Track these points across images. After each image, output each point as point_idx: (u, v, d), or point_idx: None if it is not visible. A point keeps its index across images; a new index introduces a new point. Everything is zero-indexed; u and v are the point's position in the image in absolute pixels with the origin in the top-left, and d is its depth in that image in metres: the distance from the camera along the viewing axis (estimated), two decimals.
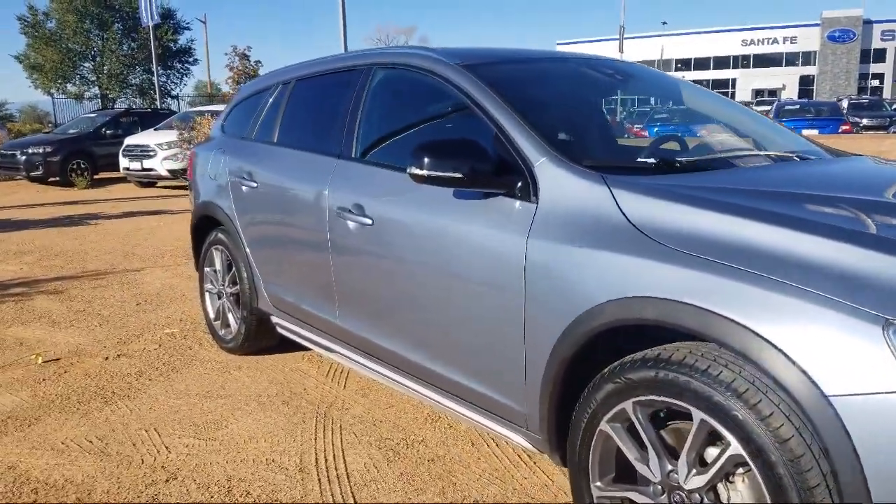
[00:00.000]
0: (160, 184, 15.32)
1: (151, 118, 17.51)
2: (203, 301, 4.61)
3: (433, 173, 2.37)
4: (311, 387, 3.83)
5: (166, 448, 3.14)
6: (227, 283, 4.31)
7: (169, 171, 14.26)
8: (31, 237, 8.92)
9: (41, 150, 15.43)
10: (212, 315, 4.55)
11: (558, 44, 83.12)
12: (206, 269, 4.53)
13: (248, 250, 3.97)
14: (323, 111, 3.72)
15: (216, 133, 4.68)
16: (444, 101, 2.96)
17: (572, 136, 2.78)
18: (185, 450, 3.12)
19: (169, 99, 31.86)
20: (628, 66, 3.71)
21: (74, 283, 6.29)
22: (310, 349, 3.88)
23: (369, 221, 2.90)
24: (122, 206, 11.99)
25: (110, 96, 34.64)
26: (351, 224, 3.00)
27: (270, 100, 4.11)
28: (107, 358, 4.33)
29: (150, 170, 14.43)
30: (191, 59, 36.73)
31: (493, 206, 2.37)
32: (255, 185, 3.81)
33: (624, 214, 2.03)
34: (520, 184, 2.32)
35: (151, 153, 14.37)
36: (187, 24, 37.28)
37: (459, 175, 2.35)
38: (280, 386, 3.84)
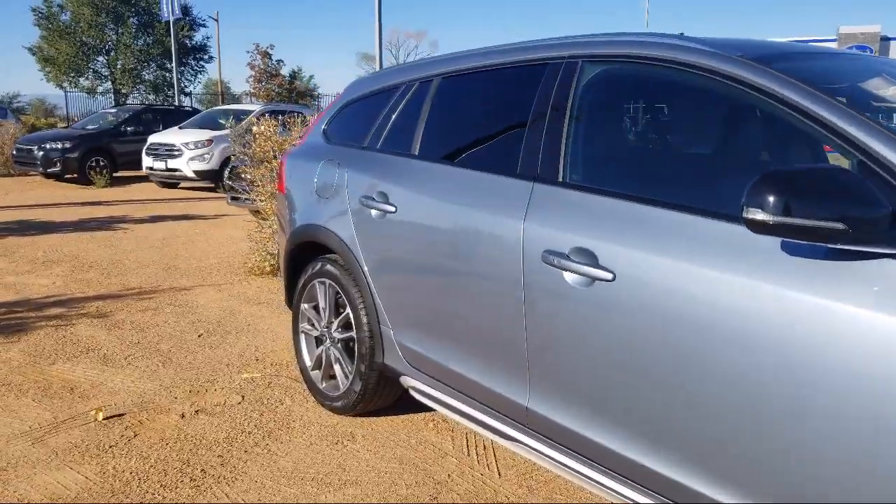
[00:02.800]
0: (183, 185, 14.48)
1: (174, 116, 16.68)
2: (297, 344, 3.76)
3: (790, 221, 1.53)
4: (455, 471, 2.98)
5: None
6: (335, 327, 3.45)
7: (195, 172, 13.45)
8: (58, 243, 8.07)
9: (59, 146, 14.59)
10: (308, 362, 3.69)
11: None
12: (304, 307, 3.68)
13: (373, 290, 3.12)
14: (493, 118, 2.89)
15: (317, 140, 3.83)
16: (722, 109, 2.13)
17: None
18: None
19: (182, 96, 31.01)
20: None
21: (119, 305, 5.44)
22: (433, 410, 3.04)
23: (607, 276, 2.04)
24: (148, 209, 11.15)
25: (123, 91, 33.83)
26: (570, 277, 2.15)
27: (402, 102, 3.27)
28: (183, 415, 3.47)
29: (175, 170, 13.60)
30: (206, 57, 35.93)
31: (880, 273, 1.53)
32: (391, 209, 2.96)
33: None
34: None
35: (177, 153, 13.56)
36: (203, 20, 36.49)
37: (840, 226, 1.50)
38: (414, 469, 2.99)
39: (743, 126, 2.30)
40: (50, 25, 32.47)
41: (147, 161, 13.90)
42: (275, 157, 6.53)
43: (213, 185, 13.79)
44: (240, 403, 3.64)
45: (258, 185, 6.67)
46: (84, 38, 32.47)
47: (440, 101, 3.09)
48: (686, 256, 1.88)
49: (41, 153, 14.50)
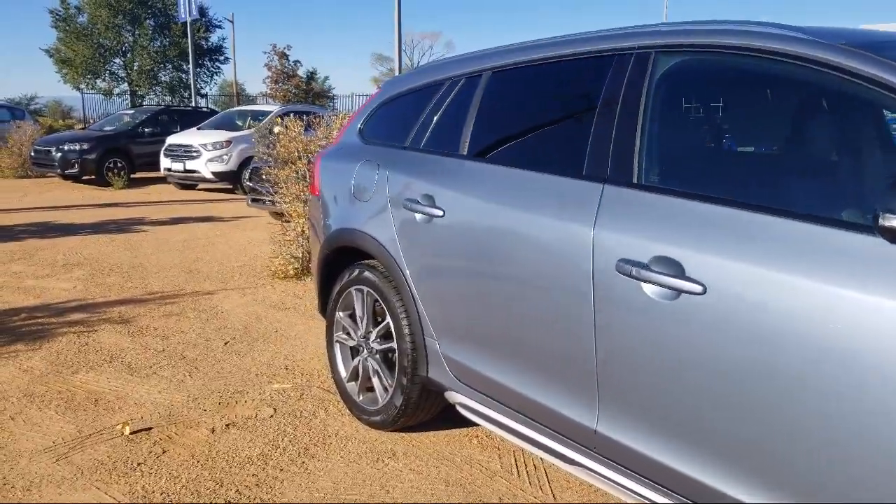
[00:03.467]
0: (201, 186, 14.35)
1: (191, 117, 16.58)
2: (332, 354, 3.57)
3: None
4: (506, 494, 2.78)
5: None
6: (373, 337, 3.26)
7: (214, 173, 13.30)
8: (77, 245, 7.93)
9: (77, 148, 14.49)
10: (344, 374, 3.50)
11: None
12: (339, 315, 3.49)
13: (417, 299, 2.92)
14: (551, 115, 2.69)
15: (352, 139, 3.63)
16: (823, 101, 1.92)
17: None
18: None
19: (199, 97, 30.93)
20: None
21: (141, 310, 5.26)
22: (475, 424, 2.85)
23: (696, 288, 1.83)
24: (167, 211, 11.00)
25: (139, 93, 33.82)
26: (651, 289, 1.94)
27: (448, 99, 3.07)
28: (213, 430, 3.28)
29: (194, 171, 13.46)
30: (221, 58, 35.88)
31: None
32: (439, 213, 2.76)
33: None
34: None
35: (195, 154, 13.42)
36: (219, 22, 36.45)
37: None
38: (463, 491, 2.80)
39: (850, 122, 2.08)
40: (67, 27, 32.50)
41: (165, 162, 13.77)
42: (299, 157, 6.35)
43: (231, 187, 13.64)
44: (272, 417, 3.45)
45: (282, 187, 6.49)
46: (101, 40, 32.46)
47: (491, 97, 2.89)
48: (796, 269, 1.67)
49: (59, 154, 14.42)
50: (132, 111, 17.73)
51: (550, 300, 2.30)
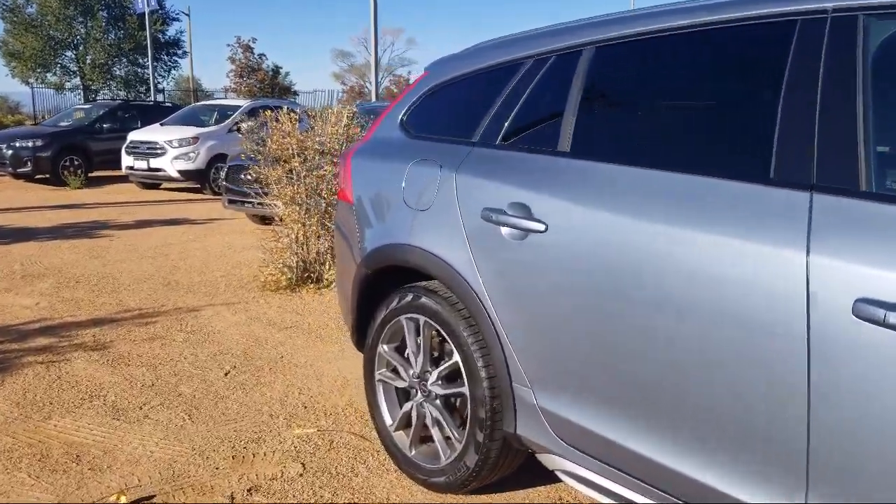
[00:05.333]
0: (164, 185, 13.49)
1: (153, 112, 15.65)
2: (373, 395, 2.91)
3: None
4: None
5: None
6: (433, 378, 2.62)
7: (180, 171, 12.48)
8: (35, 252, 7.11)
9: (30, 145, 13.52)
10: (389, 420, 2.85)
11: None
12: (383, 349, 2.83)
13: (501, 335, 2.29)
14: (702, 99, 2.06)
15: (392, 134, 2.99)
16: None
17: None
18: None
19: (153, 93, 29.69)
20: None
21: (119, 332, 4.53)
22: (558, 479, 2.25)
23: None
24: (131, 213, 10.18)
25: (93, 87, 32.44)
26: None
27: (533, 82, 2.45)
28: (232, 497, 2.61)
29: (158, 170, 12.61)
30: (179, 52, 34.63)
31: None
32: (538, 227, 2.13)
33: None
34: None
35: (160, 151, 12.58)
36: (176, 14, 35.18)
37: None
38: None
39: None
40: (15, 18, 30.94)
41: (127, 160, 12.89)
42: (295, 155, 5.65)
43: (198, 186, 12.80)
44: (301, 475, 2.79)
45: (274, 188, 5.78)
46: (51, 32, 31.00)
47: (600, 78, 2.27)
48: None
49: (10, 152, 13.45)
50: (89, 106, 16.73)
51: (730, 347, 1.70)
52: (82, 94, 31.52)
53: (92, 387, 3.65)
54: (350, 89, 40.86)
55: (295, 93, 29.07)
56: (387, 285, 2.89)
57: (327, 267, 5.81)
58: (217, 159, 12.46)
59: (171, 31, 33.76)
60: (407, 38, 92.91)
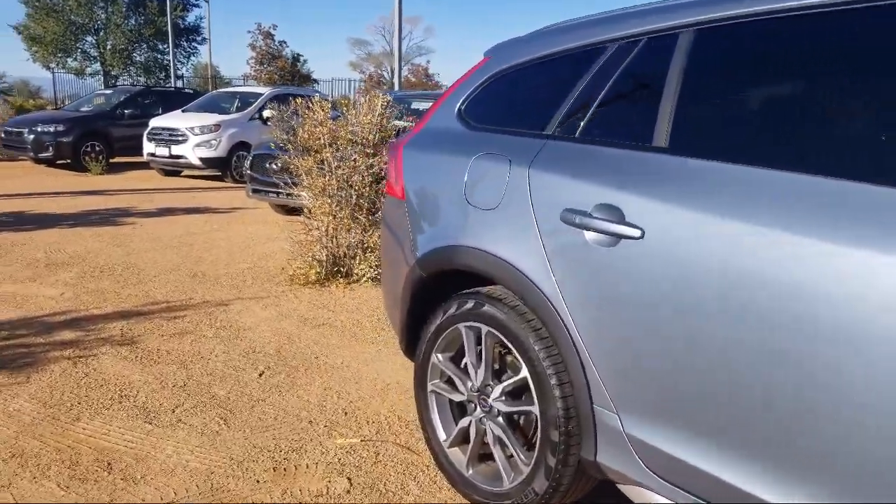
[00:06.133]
0: (185, 173, 13.32)
1: (174, 98, 15.48)
2: (425, 407, 2.70)
3: None
4: None
5: None
6: (496, 393, 2.40)
7: (201, 159, 12.30)
8: (59, 240, 6.94)
9: (52, 129, 13.37)
10: (443, 435, 2.64)
11: None
12: (437, 358, 2.62)
13: (582, 350, 2.07)
14: (850, 91, 1.80)
15: (447, 123, 2.77)
16: None
17: None
18: None
19: (173, 79, 29.55)
20: None
21: (147, 326, 4.34)
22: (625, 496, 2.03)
23: None
24: (153, 200, 10.01)
25: (113, 73, 32.36)
26: None
27: (620, 68, 2.23)
28: None
29: (180, 157, 12.44)
30: (199, 39, 34.48)
31: None
32: (633, 233, 1.91)
33: None
34: None
35: (181, 138, 12.40)
36: (196, 0, 34.99)
37: None
38: None
39: None
40: (37, 3, 30.86)
41: (148, 147, 12.73)
42: (327, 146, 5.44)
43: (219, 174, 12.63)
44: (349, 492, 2.59)
45: (304, 179, 5.57)
46: (72, 17, 30.91)
47: (707, 64, 2.04)
48: None
49: (32, 136, 13.31)
50: (110, 91, 16.59)
51: (872, 379, 1.45)
52: (102, 79, 31.44)
53: (121, 386, 3.46)
54: (369, 78, 40.62)
55: (315, 81, 28.87)
56: (441, 289, 2.68)
57: (357, 261, 5.60)
58: (238, 147, 12.30)
59: (191, 17, 33.62)
60: (425, 27, 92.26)
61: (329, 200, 5.40)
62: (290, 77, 27.19)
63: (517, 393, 2.39)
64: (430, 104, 9.22)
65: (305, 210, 5.68)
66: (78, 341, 4.07)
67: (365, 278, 5.54)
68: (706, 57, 2.02)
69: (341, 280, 5.58)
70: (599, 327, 2.04)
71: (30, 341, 4.05)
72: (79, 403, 3.26)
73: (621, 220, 1.97)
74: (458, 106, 2.81)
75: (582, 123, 2.26)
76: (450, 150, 2.68)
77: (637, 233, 1.92)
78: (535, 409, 2.26)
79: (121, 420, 3.11)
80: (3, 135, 13.91)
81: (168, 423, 3.09)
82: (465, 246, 2.46)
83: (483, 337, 2.45)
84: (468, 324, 2.50)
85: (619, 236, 1.97)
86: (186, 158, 12.37)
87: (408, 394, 3.50)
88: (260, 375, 3.67)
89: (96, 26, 31.84)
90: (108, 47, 31.74)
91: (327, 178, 5.41)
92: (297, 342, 4.22)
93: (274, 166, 7.95)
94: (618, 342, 2.01)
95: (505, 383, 2.39)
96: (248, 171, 8.43)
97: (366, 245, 5.56)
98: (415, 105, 8.97)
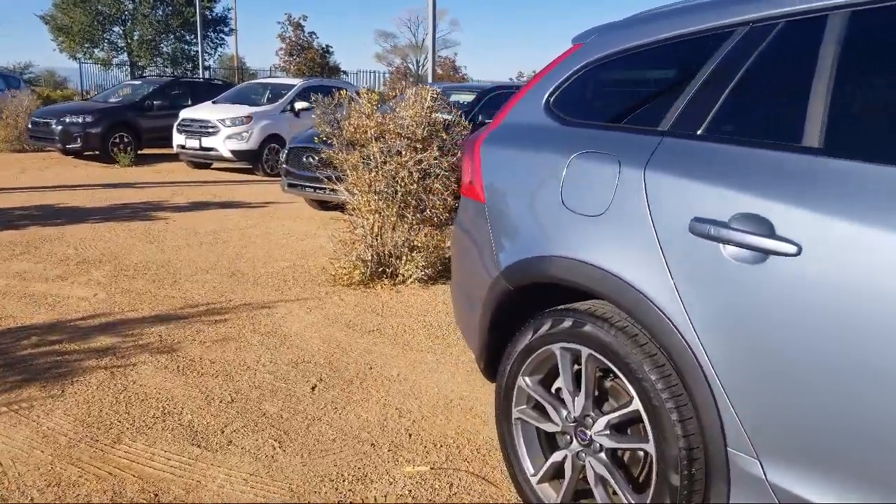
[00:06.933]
0: (215, 165, 13.10)
1: (204, 90, 15.26)
2: (509, 436, 2.40)
3: None
4: None
5: None
6: (600, 426, 2.09)
7: (232, 151, 12.05)
8: (89, 235, 6.71)
9: (80, 120, 13.19)
10: (530, 469, 2.34)
11: None
12: (525, 381, 2.31)
13: (715, 382, 1.75)
14: None
15: (533, 117, 2.46)
16: None
17: None
18: None
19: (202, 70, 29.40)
20: None
21: (186, 332, 4.08)
22: None
23: None
24: (185, 193, 9.78)
25: (140, 64, 32.32)
26: None
27: (752, 56, 1.91)
28: None
29: (211, 149, 12.20)
30: (226, 30, 34.35)
31: None
32: (787, 249, 1.59)
33: None
34: None
35: (212, 130, 12.15)
36: None
37: None
38: None
39: None
40: None
41: (178, 138, 12.50)
42: (376, 139, 5.13)
43: (250, 167, 12.39)
44: None
45: (350, 175, 5.28)
46: (99, 7, 30.88)
47: (867, 48, 1.68)
48: None
49: (60, 127, 13.13)
50: (138, 82, 16.41)
51: None
52: (129, 70, 31.41)
53: (164, 401, 3.19)
54: (396, 70, 40.31)
55: (344, 72, 28.60)
56: (526, 303, 2.37)
57: (403, 261, 5.30)
58: (270, 140, 12.05)
59: (218, 8, 33.46)
60: (450, 19, 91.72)
61: (376, 197, 5.10)
62: (319, 69, 26.93)
63: (626, 428, 2.07)
64: (471, 96, 8.95)
65: (349, 207, 5.39)
66: (114, 348, 3.81)
67: (412, 279, 5.24)
68: (868, 42, 1.68)
69: (386, 281, 5.29)
70: (740, 357, 1.72)
71: (63, 348, 3.79)
72: (119, 421, 2.99)
73: (771, 233, 1.64)
74: (545, 98, 2.49)
75: (707, 119, 1.93)
76: (540, 147, 2.36)
77: (792, 249, 1.59)
78: (650, 447, 1.95)
79: (165, 442, 2.84)
80: (30, 126, 13.76)
81: (218, 446, 2.81)
82: (563, 256, 2.15)
83: (584, 361, 2.13)
84: (565, 345, 2.19)
85: (769, 252, 1.64)
86: (217, 151, 12.13)
87: (473, 412, 3.20)
88: (312, 389, 3.39)
89: (123, 17, 31.82)
90: (135, 38, 31.72)
91: (374, 173, 5.10)
92: (347, 351, 3.93)
93: (311, 160, 7.67)
94: (765, 377, 1.69)
95: (611, 415, 2.08)
96: (284, 165, 8.17)
97: (412, 244, 5.26)
98: (454, 97, 8.65)
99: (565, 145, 2.26)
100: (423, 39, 52.87)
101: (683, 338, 1.82)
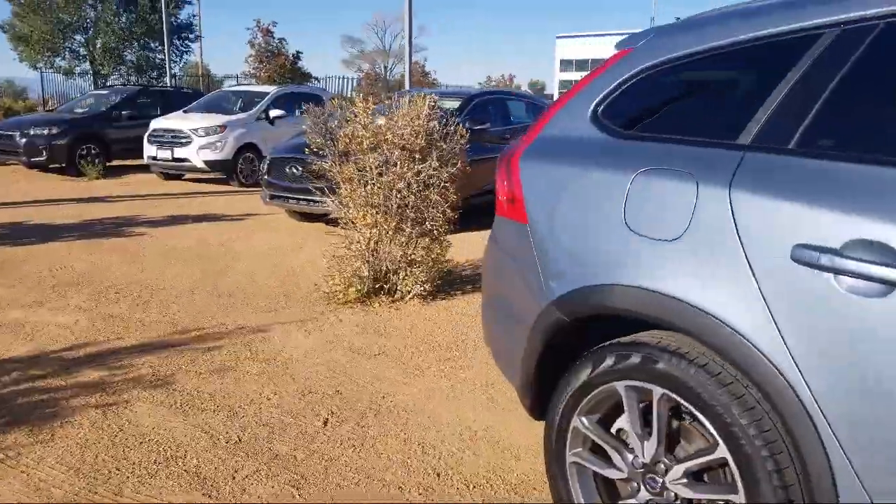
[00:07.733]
0: (188, 176, 12.73)
1: (174, 98, 14.83)
2: (563, 482, 2.18)
3: None
4: None
5: None
6: (676, 475, 1.88)
7: (206, 162, 11.70)
8: (64, 255, 6.37)
9: (45, 132, 12.73)
10: None
11: (557, 37, 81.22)
12: (580, 422, 2.09)
13: (824, 429, 1.55)
14: None
15: (577, 130, 2.25)
16: None
17: None
18: None
19: (168, 78, 28.76)
20: None
21: (179, 361, 3.80)
22: None
23: None
24: (160, 207, 9.42)
25: (103, 73, 31.57)
26: None
27: (850, 60, 1.71)
28: None
29: (184, 160, 11.83)
30: (192, 37, 33.74)
31: None
32: None
33: None
34: None
35: (185, 140, 11.79)
36: None
37: None
38: None
39: None
40: (22, 0, 30.07)
41: (149, 149, 12.11)
42: (373, 149, 4.88)
43: (225, 177, 12.04)
44: None
45: (345, 188, 5.02)
46: (60, 15, 30.07)
47: None
48: None
49: (24, 140, 12.66)
50: (105, 91, 15.94)
51: None
52: (92, 79, 30.66)
53: (165, 443, 2.91)
54: (366, 75, 39.99)
55: (315, 78, 28.17)
56: (578, 335, 2.14)
57: (401, 277, 5.05)
58: (245, 149, 11.72)
59: (183, 14, 32.81)
60: (418, 25, 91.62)
61: (373, 211, 4.84)
62: (289, 75, 26.52)
63: (701, 476, 1.86)
64: (456, 103, 8.68)
65: (343, 221, 5.13)
66: (104, 383, 3.51)
67: (411, 295, 5.00)
68: None
69: (384, 298, 5.04)
70: (855, 399, 1.51)
71: (48, 384, 3.49)
72: (118, 469, 2.71)
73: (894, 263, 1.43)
74: (591, 108, 2.27)
75: (799, 130, 1.72)
76: (593, 162, 2.14)
77: None
78: (740, 498, 1.73)
79: (172, 492, 2.56)
80: None
81: (231, 496, 2.55)
82: (630, 286, 1.92)
83: (655, 402, 1.91)
84: (631, 383, 1.96)
85: (894, 284, 1.43)
86: (190, 161, 11.76)
87: (501, 445, 2.98)
88: (325, 424, 3.13)
89: (85, 24, 31.02)
90: (98, 46, 30.92)
91: (371, 186, 4.85)
92: (355, 378, 3.67)
93: (295, 170, 7.40)
94: (888, 423, 1.47)
95: (689, 462, 1.86)
96: (266, 177, 7.88)
97: (411, 258, 5.02)
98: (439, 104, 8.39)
99: (625, 161, 2.04)
100: (391, 44, 52.53)
101: (785, 378, 1.61)
